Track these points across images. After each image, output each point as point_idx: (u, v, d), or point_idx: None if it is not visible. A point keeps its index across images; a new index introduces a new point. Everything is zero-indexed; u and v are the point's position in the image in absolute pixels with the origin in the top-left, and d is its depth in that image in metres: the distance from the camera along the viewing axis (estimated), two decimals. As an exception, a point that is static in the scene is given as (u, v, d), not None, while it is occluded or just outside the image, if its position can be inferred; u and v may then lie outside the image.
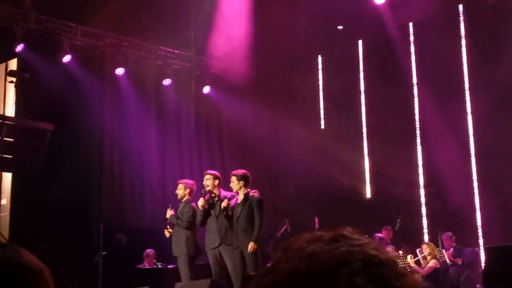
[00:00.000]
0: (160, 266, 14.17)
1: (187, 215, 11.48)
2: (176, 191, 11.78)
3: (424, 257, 13.37)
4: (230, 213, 11.09)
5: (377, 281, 1.09)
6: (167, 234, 11.68)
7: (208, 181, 11.33)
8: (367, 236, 1.21)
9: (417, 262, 13.35)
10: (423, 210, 16.39)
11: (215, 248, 11.21)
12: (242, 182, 11.02)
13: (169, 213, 11.67)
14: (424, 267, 13.19)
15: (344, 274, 1.08)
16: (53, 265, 1.60)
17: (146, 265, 14.26)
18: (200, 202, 11.26)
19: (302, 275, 1.10)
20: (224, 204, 11.08)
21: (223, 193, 11.40)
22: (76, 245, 14.44)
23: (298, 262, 1.12)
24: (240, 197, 11.06)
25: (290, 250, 1.16)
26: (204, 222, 11.38)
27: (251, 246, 10.65)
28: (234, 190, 11.07)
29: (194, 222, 11.49)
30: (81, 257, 14.32)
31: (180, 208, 11.65)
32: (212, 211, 11.31)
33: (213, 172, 11.62)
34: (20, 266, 1.49)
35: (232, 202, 11.18)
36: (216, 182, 11.41)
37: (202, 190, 11.40)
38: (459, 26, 16.26)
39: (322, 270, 1.09)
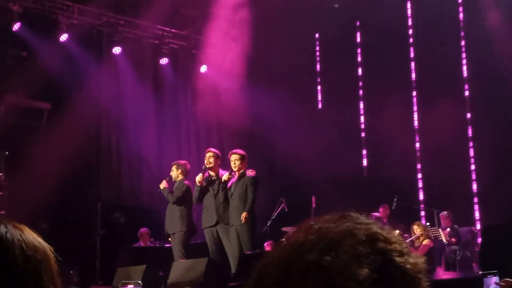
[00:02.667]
0: (157, 245, 14.21)
1: (178, 191, 11.50)
2: (170, 173, 11.82)
3: (417, 238, 13.39)
4: (227, 188, 11.11)
5: (380, 254, 1.12)
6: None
7: (212, 159, 11.33)
8: (363, 215, 1.26)
9: (410, 243, 13.37)
10: (420, 189, 16.44)
11: (212, 226, 11.22)
12: (244, 161, 11.05)
13: (164, 184, 11.70)
14: (418, 248, 13.21)
15: (348, 243, 1.12)
16: (51, 244, 1.61)
17: (141, 244, 14.28)
18: (198, 177, 11.27)
19: (309, 246, 1.14)
20: (225, 177, 11.09)
21: (222, 172, 11.42)
22: (73, 224, 14.47)
23: (306, 234, 1.17)
24: (237, 175, 11.09)
25: (299, 229, 1.21)
26: (200, 198, 11.39)
27: (243, 216, 10.66)
28: (236, 169, 11.05)
29: (185, 199, 11.49)
30: (79, 236, 14.36)
31: (175, 186, 11.69)
32: (210, 189, 11.32)
33: (216, 150, 11.64)
34: (23, 243, 1.50)
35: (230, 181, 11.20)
36: (218, 161, 11.45)
37: (203, 166, 11.42)
38: (456, 2, 16.24)
39: (328, 241, 1.13)
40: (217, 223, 11.15)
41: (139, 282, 9.79)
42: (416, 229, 13.43)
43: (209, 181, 11.36)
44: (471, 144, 15.80)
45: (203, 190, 11.34)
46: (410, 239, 13.39)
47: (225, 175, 11.14)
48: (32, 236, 1.54)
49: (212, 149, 11.67)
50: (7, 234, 1.49)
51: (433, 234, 13.61)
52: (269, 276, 1.15)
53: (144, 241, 14.33)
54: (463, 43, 16.17)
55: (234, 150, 11.39)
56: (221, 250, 11.18)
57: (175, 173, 11.73)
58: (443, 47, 16.04)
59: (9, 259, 1.46)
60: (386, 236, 1.17)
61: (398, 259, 1.14)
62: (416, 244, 13.31)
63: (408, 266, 1.14)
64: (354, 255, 1.11)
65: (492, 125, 15.28)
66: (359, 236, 1.14)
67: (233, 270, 10.67)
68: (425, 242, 13.25)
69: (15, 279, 1.45)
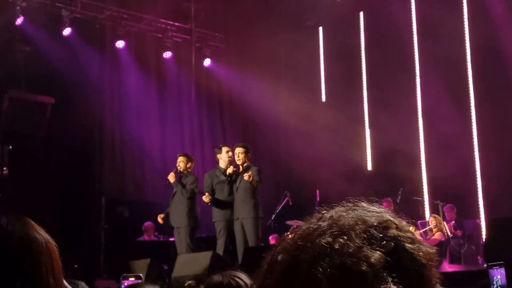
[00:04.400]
0: (161, 239, 14.22)
1: (193, 185, 11.50)
2: (177, 164, 11.77)
3: (430, 229, 13.40)
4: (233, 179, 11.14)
5: (392, 240, 1.15)
6: (160, 221, 11.73)
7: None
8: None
9: (422, 234, 13.37)
10: (424, 181, 16.41)
11: (225, 220, 11.20)
12: (248, 154, 11.05)
13: (173, 177, 11.65)
14: (429, 239, 13.22)
15: (360, 228, 1.15)
16: (55, 238, 1.60)
17: (145, 238, 14.31)
18: (206, 199, 11.30)
19: (321, 230, 1.16)
20: (229, 170, 11.09)
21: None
22: (77, 218, 14.49)
23: (318, 222, 1.19)
24: (241, 169, 11.08)
25: (311, 218, 1.23)
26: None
27: (248, 174, 10.65)
28: (240, 163, 11.05)
29: (196, 193, 11.52)
30: (83, 231, 14.38)
31: (183, 179, 11.65)
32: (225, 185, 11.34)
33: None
34: (23, 234, 1.49)
35: None
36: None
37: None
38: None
39: (340, 226, 1.15)
40: (235, 218, 11.13)
41: (140, 275, 9.79)
42: (432, 221, 13.46)
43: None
44: (475, 137, 15.76)
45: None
46: (422, 230, 13.41)
47: (229, 168, 11.14)
48: (34, 229, 1.54)
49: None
50: (8, 225, 1.49)
51: (444, 227, 13.62)
52: (281, 262, 1.16)
53: (148, 235, 14.35)
54: (467, 37, 16.12)
55: (237, 144, 11.39)
56: (227, 244, 11.18)
57: (184, 164, 11.68)
58: (448, 36, 15.97)
59: (8, 248, 1.45)
60: (398, 224, 1.19)
61: (409, 245, 1.16)
62: (428, 236, 13.33)
63: (419, 253, 1.16)
64: (366, 238, 1.13)
65: (497, 118, 15.23)
66: (370, 222, 1.16)
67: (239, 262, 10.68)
68: (436, 235, 13.26)
69: (13, 269, 1.44)
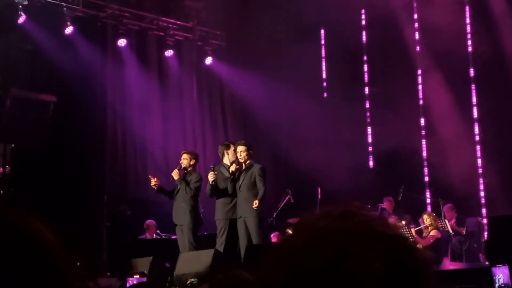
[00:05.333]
0: (163, 237, 14.22)
1: (197, 183, 11.47)
2: (181, 162, 11.75)
3: (426, 227, 13.37)
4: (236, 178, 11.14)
5: (386, 257, 1.10)
6: (153, 182, 11.57)
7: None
8: (369, 206, 1.24)
9: (419, 232, 13.34)
10: (426, 180, 16.42)
11: (226, 219, 11.20)
12: (250, 152, 11.06)
13: (177, 174, 11.63)
14: (425, 238, 13.19)
15: (354, 249, 1.10)
16: (57, 237, 1.60)
17: (147, 236, 14.30)
18: (211, 176, 11.23)
19: (312, 252, 1.11)
20: (232, 168, 11.09)
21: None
22: (79, 216, 14.48)
23: (308, 239, 1.14)
24: (243, 167, 11.09)
25: (301, 227, 1.18)
26: (213, 193, 11.38)
27: (256, 202, 10.62)
28: (243, 161, 11.06)
29: (200, 191, 11.52)
30: (85, 229, 14.37)
31: (187, 176, 11.62)
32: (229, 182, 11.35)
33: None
34: (27, 231, 1.50)
35: None
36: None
37: (212, 164, 11.47)
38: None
39: (331, 248, 1.11)
40: (239, 217, 11.12)
41: (145, 272, 9.82)
42: (426, 219, 13.41)
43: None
44: (477, 135, 15.76)
45: (215, 186, 11.38)
46: (418, 228, 13.37)
47: (232, 166, 11.14)
48: (37, 225, 1.54)
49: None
50: (12, 221, 1.49)
51: (440, 224, 13.60)
52: (276, 281, 1.14)
53: (150, 233, 14.35)
54: (469, 35, 16.11)
55: (239, 141, 11.39)
56: (229, 242, 11.18)
57: (187, 161, 11.64)
58: (449, 35, 15.97)
59: (12, 245, 1.46)
60: (391, 234, 1.15)
61: (405, 257, 1.13)
62: (424, 234, 13.29)
63: (415, 263, 1.14)
64: (360, 257, 1.10)
65: (499, 116, 15.24)
66: (363, 239, 1.12)
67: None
68: (433, 232, 13.21)
69: (17, 265, 1.45)
